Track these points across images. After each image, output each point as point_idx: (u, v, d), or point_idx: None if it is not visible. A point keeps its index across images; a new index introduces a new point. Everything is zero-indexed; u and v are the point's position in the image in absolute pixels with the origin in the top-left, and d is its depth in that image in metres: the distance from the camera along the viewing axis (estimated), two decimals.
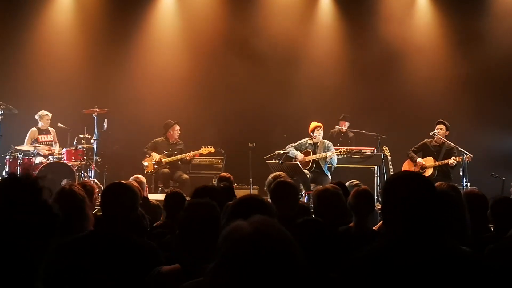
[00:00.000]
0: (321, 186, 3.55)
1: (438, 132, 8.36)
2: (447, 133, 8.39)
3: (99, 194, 5.52)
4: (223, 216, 2.40)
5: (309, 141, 8.47)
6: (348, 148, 8.59)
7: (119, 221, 2.67)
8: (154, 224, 3.83)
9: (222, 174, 5.95)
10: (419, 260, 1.82)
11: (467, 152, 8.02)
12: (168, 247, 3.14)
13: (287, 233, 1.32)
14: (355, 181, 5.66)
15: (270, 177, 4.90)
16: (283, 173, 5.07)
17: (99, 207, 4.39)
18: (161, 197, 6.31)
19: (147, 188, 6.03)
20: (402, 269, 1.81)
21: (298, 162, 8.14)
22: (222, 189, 4.33)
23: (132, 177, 5.49)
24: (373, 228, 4.34)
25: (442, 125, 8.39)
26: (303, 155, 8.38)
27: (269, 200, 4.68)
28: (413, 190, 1.93)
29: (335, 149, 8.37)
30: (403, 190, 1.94)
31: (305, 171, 8.10)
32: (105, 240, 2.62)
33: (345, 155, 8.28)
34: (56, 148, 9.14)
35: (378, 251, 1.92)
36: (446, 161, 8.13)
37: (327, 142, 8.51)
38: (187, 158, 9.12)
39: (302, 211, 4.44)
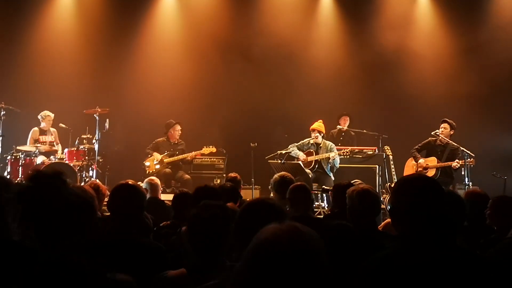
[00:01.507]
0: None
1: (442, 131, 8.32)
2: (451, 132, 8.34)
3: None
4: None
5: (311, 141, 8.47)
6: (350, 148, 8.58)
7: (127, 221, 2.67)
8: (161, 224, 3.82)
9: (230, 174, 5.94)
10: (433, 262, 1.82)
11: (470, 153, 8.01)
12: (174, 248, 3.13)
13: (319, 239, 1.32)
14: (358, 181, 5.67)
15: (277, 176, 4.91)
16: (288, 173, 5.07)
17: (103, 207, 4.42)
18: (163, 197, 6.32)
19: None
20: (417, 272, 1.81)
21: (300, 162, 8.14)
22: (226, 189, 4.33)
23: (147, 179, 5.50)
24: (377, 227, 4.37)
25: (446, 124, 8.35)
26: (305, 155, 8.39)
27: (274, 198, 4.72)
28: (423, 194, 1.93)
29: (337, 149, 8.38)
30: (412, 194, 1.94)
31: (307, 171, 8.10)
32: (112, 240, 2.62)
33: (348, 156, 8.29)
34: (58, 148, 9.14)
35: (391, 254, 1.92)
36: (449, 163, 8.10)
37: (329, 143, 8.51)
38: (188, 158, 9.14)
39: None
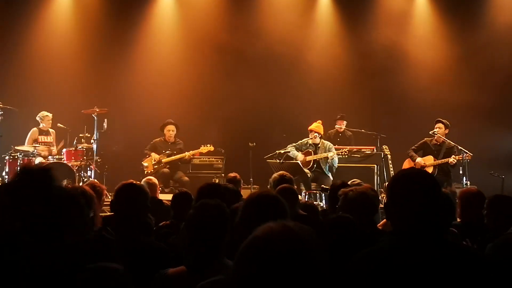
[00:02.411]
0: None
1: (437, 131, 8.37)
2: (446, 131, 8.40)
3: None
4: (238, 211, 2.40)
5: (310, 141, 8.48)
6: (349, 147, 8.60)
7: (130, 221, 2.67)
8: (160, 224, 3.81)
9: (229, 174, 5.91)
10: (427, 257, 1.81)
11: (466, 151, 8.05)
12: (174, 248, 3.13)
13: (315, 237, 1.31)
14: (357, 181, 5.68)
15: (276, 175, 4.92)
16: (287, 172, 5.08)
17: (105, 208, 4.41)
18: (162, 197, 6.31)
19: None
20: (410, 267, 1.80)
21: (299, 162, 8.15)
22: (230, 190, 4.32)
23: (144, 179, 5.50)
24: (377, 226, 4.38)
25: (440, 124, 8.41)
26: (303, 156, 8.39)
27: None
28: (419, 188, 1.91)
29: (336, 149, 8.40)
30: (408, 188, 1.92)
31: (306, 170, 8.11)
32: (114, 240, 2.62)
33: (346, 156, 8.29)
34: (53, 149, 9.13)
35: (384, 249, 1.91)
36: (446, 159, 8.15)
37: (328, 143, 8.52)
38: (186, 157, 9.12)
39: (311, 210, 4.49)
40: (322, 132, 8.57)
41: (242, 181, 5.92)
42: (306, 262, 1.25)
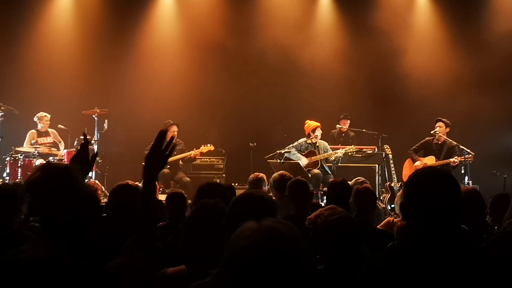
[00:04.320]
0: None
1: (438, 131, 8.34)
2: (447, 130, 8.36)
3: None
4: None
5: (308, 141, 8.44)
6: (354, 146, 8.57)
7: (125, 222, 2.65)
8: (158, 225, 3.80)
9: (251, 176, 5.45)
10: (446, 258, 1.79)
11: (468, 150, 8.01)
12: (172, 248, 3.12)
13: (296, 237, 1.28)
14: (361, 178, 5.69)
15: (276, 175, 4.91)
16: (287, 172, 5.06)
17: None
18: (162, 197, 6.29)
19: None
20: (428, 267, 1.78)
21: (299, 162, 8.12)
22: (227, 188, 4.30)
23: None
24: (377, 226, 4.36)
25: (441, 122, 8.39)
26: (307, 160, 8.32)
27: (273, 196, 4.71)
28: (439, 187, 1.87)
29: (341, 149, 8.39)
30: (428, 187, 1.88)
31: (316, 171, 8.07)
32: (110, 240, 2.60)
33: (354, 153, 8.27)
34: (61, 147, 9.13)
35: (402, 249, 1.89)
36: (448, 160, 8.10)
37: (325, 142, 8.51)
38: (192, 156, 9.04)
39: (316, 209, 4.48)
40: (319, 125, 8.53)
41: (265, 179, 5.56)
42: (295, 266, 1.24)
